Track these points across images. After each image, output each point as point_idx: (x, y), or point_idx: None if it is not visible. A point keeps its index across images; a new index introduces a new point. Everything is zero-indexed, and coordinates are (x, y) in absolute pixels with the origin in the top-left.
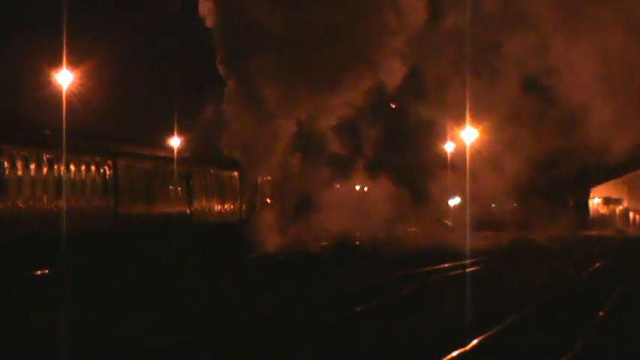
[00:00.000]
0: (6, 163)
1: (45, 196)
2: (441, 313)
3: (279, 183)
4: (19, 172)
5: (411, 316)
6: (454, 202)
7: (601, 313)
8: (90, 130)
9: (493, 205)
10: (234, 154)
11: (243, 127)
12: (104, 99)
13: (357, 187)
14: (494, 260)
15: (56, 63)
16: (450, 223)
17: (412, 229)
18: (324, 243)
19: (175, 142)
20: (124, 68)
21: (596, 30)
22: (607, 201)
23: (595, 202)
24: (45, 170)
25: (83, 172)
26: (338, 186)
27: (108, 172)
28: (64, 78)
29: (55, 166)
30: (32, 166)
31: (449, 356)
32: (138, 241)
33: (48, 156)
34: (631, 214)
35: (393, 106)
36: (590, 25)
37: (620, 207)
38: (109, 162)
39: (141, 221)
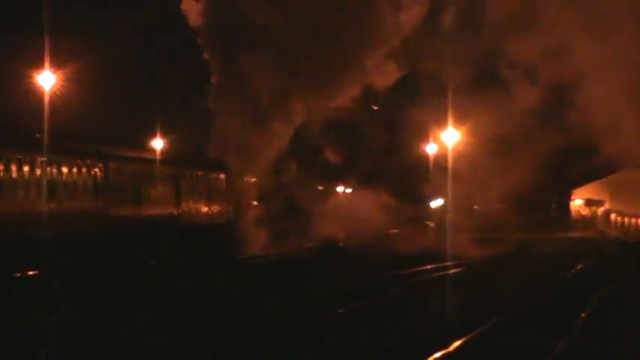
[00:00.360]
0: (1, 166)
1: (39, 199)
2: (425, 314)
3: (266, 185)
4: (14, 175)
5: (395, 318)
6: (437, 203)
7: (583, 315)
8: (74, 131)
9: (476, 207)
10: (220, 155)
11: (231, 128)
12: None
13: (340, 189)
14: (477, 262)
15: (38, 65)
16: (432, 225)
17: (395, 231)
18: (309, 245)
19: (159, 143)
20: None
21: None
22: (589, 203)
23: (577, 203)
24: (38, 173)
25: (75, 175)
26: (320, 188)
27: (99, 174)
28: (47, 80)
29: (48, 169)
30: (26, 169)
31: (431, 358)
32: (128, 242)
33: (42, 159)
34: (613, 216)
35: (375, 108)
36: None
37: (602, 209)
38: (100, 165)
39: (131, 223)
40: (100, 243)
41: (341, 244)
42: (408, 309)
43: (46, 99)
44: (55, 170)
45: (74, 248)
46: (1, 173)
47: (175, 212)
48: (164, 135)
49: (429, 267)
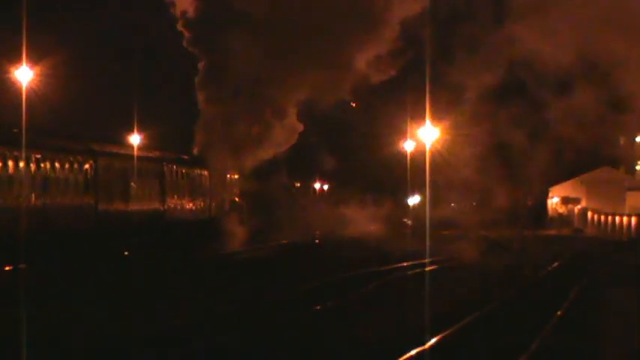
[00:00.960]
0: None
1: (33, 194)
2: (398, 312)
3: (247, 182)
4: (10, 171)
5: (369, 315)
6: (414, 201)
7: (559, 313)
8: (63, 129)
9: (453, 205)
10: (204, 152)
11: (215, 125)
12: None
13: (317, 186)
14: (452, 260)
15: (16, 60)
16: (409, 222)
17: (373, 228)
18: (285, 241)
19: (135, 139)
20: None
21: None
22: (565, 200)
23: (553, 201)
24: (33, 169)
25: (67, 171)
26: (298, 184)
27: (89, 171)
28: (24, 75)
29: (42, 165)
30: (21, 165)
31: (406, 355)
32: (117, 237)
33: (37, 156)
34: (589, 214)
35: (354, 105)
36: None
37: (579, 206)
38: (91, 161)
39: (119, 218)
40: (91, 238)
41: (317, 240)
42: (382, 306)
43: (24, 94)
44: (48, 167)
45: (64, 243)
46: (10, 176)
47: (161, 208)
48: (141, 130)
49: (405, 264)
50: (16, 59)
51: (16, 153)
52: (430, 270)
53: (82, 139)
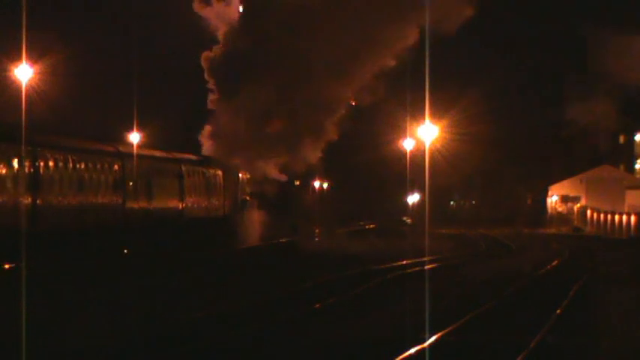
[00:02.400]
0: (42, 163)
1: (70, 192)
2: (398, 310)
3: (259, 182)
4: (51, 172)
5: (369, 313)
6: (413, 199)
7: (558, 311)
8: (94, 132)
9: (452, 203)
10: (218, 153)
11: (227, 127)
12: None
13: (317, 185)
14: (453, 258)
15: (15, 57)
16: (409, 220)
17: (371, 225)
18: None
19: (135, 137)
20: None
21: None
22: (565, 199)
23: (553, 199)
24: (70, 170)
25: (99, 172)
26: (297, 183)
27: (118, 171)
28: (24, 72)
29: (78, 166)
30: (60, 165)
31: (406, 353)
32: (142, 232)
33: (73, 158)
34: (589, 212)
35: (353, 103)
36: None
37: (578, 205)
38: (119, 163)
39: (143, 215)
40: (119, 233)
41: (316, 239)
42: (382, 304)
43: (23, 92)
44: (83, 167)
45: (96, 238)
46: (42, 170)
47: (180, 206)
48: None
49: (404, 262)
50: (16, 57)
51: (57, 155)
52: (429, 269)
53: (110, 142)
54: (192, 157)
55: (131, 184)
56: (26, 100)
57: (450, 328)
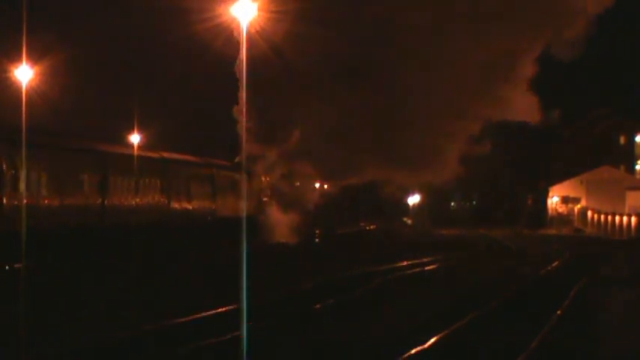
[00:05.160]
0: (112, 172)
1: (130, 195)
2: (401, 310)
3: (277, 185)
4: (117, 180)
5: (370, 313)
6: (414, 200)
7: (559, 312)
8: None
9: (453, 204)
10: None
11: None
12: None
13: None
14: (454, 259)
15: (16, 58)
16: (409, 221)
17: (372, 226)
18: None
19: (135, 138)
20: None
21: None
22: (565, 200)
23: (554, 201)
24: (136, 178)
25: (151, 177)
26: (297, 184)
27: (162, 177)
28: (24, 74)
29: (140, 174)
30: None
31: (407, 354)
32: (182, 229)
33: (131, 165)
34: (589, 213)
35: None
36: None
37: (579, 206)
38: (163, 169)
39: (184, 214)
40: (165, 229)
41: (317, 239)
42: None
43: (24, 93)
44: (144, 175)
45: (149, 234)
46: (110, 177)
47: (213, 207)
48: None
49: (405, 263)
50: (16, 58)
51: (121, 164)
52: (430, 270)
53: (158, 151)
54: (222, 162)
55: (173, 187)
56: (26, 102)
57: (452, 329)
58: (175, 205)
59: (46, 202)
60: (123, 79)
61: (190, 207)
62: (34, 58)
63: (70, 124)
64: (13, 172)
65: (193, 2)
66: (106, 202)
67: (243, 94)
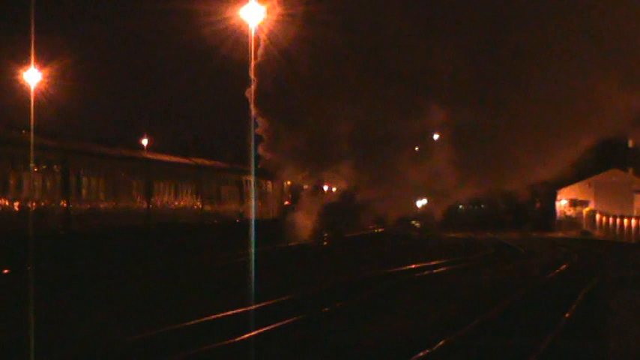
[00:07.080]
0: (154, 175)
1: (169, 198)
2: (408, 313)
3: (298, 189)
4: (160, 184)
5: (378, 318)
6: (422, 202)
7: (567, 315)
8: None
9: (460, 207)
10: (268, 166)
11: (278, 147)
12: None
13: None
14: (463, 261)
15: (24, 62)
16: (417, 224)
17: (380, 229)
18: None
19: (144, 141)
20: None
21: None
22: (574, 203)
23: (562, 203)
24: (170, 182)
25: (185, 182)
26: (305, 187)
27: (197, 182)
28: (32, 77)
29: (175, 178)
30: (168, 184)
31: (414, 357)
32: (214, 229)
33: (171, 171)
34: (597, 216)
35: None
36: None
37: (587, 209)
38: (198, 174)
39: (215, 215)
40: (199, 229)
41: (325, 242)
42: (393, 308)
43: (32, 96)
44: (179, 180)
45: (183, 234)
46: (154, 182)
47: (240, 209)
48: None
49: (413, 266)
50: (24, 61)
51: (161, 170)
52: (438, 272)
53: (191, 158)
54: (248, 168)
55: (205, 191)
56: (35, 104)
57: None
58: (208, 207)
59: (103, 205)
60: (134, 83)
61: (221, 209)
62: (43, 61)
63: (76, 127)
64: (76, 179)
65: (201, 5)
66: (150, 205)
67: (251, 108)
